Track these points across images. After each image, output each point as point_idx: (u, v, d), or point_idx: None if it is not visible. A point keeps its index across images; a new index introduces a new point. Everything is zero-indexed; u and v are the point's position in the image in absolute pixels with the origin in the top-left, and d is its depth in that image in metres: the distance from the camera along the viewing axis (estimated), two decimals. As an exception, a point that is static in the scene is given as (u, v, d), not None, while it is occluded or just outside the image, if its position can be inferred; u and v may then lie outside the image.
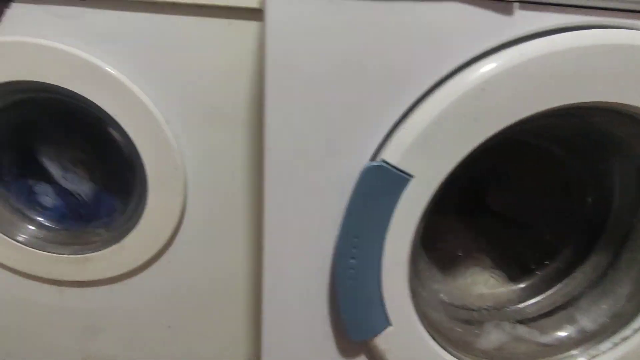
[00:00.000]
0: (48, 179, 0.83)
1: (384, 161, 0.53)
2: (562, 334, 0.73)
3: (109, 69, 0.67)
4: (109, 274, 0.84)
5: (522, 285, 0.84)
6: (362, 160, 0.60)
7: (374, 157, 0.59)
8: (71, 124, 0.79)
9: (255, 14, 0.67)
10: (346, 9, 0.53)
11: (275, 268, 0.52)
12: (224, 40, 0.68)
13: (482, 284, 0.87)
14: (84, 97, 0.69)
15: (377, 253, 0.55)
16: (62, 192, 0.84)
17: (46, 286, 0.87)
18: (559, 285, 0.80)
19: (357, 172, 0.59)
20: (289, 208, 0.53)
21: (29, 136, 0.82)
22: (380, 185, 0.53)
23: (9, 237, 0.79)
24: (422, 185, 0.53)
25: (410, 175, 0.51)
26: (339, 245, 0.55)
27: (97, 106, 0.70)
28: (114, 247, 0.82)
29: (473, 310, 0.82)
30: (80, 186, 0.84)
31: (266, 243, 0.51)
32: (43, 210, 0.82)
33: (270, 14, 0.47)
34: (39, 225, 0.84)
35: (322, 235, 0.55)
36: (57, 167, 0.81)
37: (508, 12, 0.49)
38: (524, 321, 0.79)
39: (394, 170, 0.52)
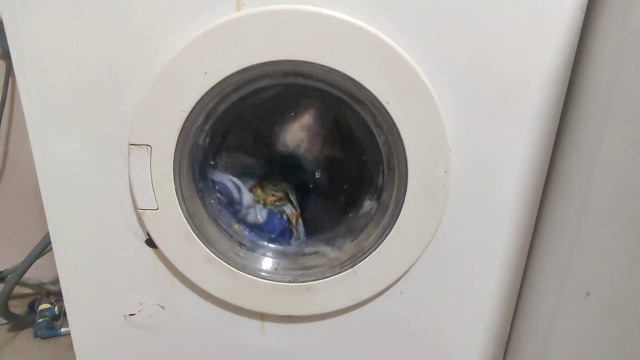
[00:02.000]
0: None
1: None
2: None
3: (395, 46, 0.53)
4: (332, 306, 0.68)
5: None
6: None
7: None
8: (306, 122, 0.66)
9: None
10: None
11: None
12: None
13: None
14: (348, 82, 0.55)
15: None
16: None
17: (247, 320, 0.72)
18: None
19: None
20: None
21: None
22: None
23: (222, 260, 0.66)
24: None
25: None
26: None
27: (359, 95, 0.56)
28: (343, 275, 0.66)
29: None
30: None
31: None
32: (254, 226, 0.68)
33: None
34: (247, 246, 0.70)
35: None
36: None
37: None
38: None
39: None
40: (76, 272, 0.69)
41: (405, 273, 0.66)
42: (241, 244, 0.68)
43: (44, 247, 1.05)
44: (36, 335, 1.31)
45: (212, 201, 0.67)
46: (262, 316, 0.72)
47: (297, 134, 0.68)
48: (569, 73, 0.56)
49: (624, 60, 0.48)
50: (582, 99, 0.56)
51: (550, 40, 0.54)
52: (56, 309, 1.43)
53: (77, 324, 0.73)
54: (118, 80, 0.57)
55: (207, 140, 0.63)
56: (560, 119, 0.59)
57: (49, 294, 1.55)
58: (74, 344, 0.74)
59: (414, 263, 0.65)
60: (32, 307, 1.46)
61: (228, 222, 0.68)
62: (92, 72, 0.57)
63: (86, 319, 0.73)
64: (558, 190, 0.60)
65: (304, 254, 0.69)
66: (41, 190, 0.64)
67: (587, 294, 0.53)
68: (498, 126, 0.59)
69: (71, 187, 0.63)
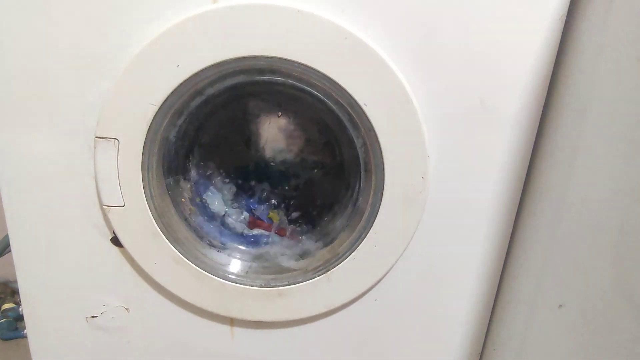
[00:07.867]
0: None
1: None
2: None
3: (375, 47, 0.52)
4: (304, 312, 0.66)
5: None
6: None
7: None
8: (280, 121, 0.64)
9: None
10: None
11: None
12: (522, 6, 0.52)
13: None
14: (325, 81, 0.54)
15: None
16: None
17: (216, 325, 0.69)
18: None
19: None
20: None
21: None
22: None
23: (190, 262, 0.63)
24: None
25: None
26: None
27: (337, 95, 0.55)
28: (316, 281, 0.64)
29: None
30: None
31: None
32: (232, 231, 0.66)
33: None
34: (218, 247, 0.67)
35: None
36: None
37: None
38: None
39: None
40: (35, 270, 0.66)
41: (380, 280, 0.64)
42: (212, 246, 0.66)
43: (7, 245, 1.00)
44: (-3, 336, 1.25)
45: (183, 200, 0.65)
46: (231, 321, 0.69)
47: (273, 134, 0.66)
48: (548, 81, 0.56)
49: (600, 69, 0.48)
50: (560, 107, 0.55)
51: (529, 49, 0.54)
52: (21, 309, 1.37)
53: (35, 325, 0.69)
54: (86, 69, 0.54)
55: (179, 136, 0.60)
56: (538, 127, 0.59)
57: (14, 293, 1.49)
58: (30, 347, 0.70)
59: (389, 270, 0.64)
60: (-6, 307, 1.40)
61: (200, 222, 0.66)
62: (57, 60, 0.54)
63: (45, 320, 0.69)
64: (534, 200, 0.60)
65: (274, 259, 0.67)
66: (0, 184, 0.61)
67: (560, 305, 0.53)
68: (477, 133, 0.58)
69: (32, 181, 0.60)
